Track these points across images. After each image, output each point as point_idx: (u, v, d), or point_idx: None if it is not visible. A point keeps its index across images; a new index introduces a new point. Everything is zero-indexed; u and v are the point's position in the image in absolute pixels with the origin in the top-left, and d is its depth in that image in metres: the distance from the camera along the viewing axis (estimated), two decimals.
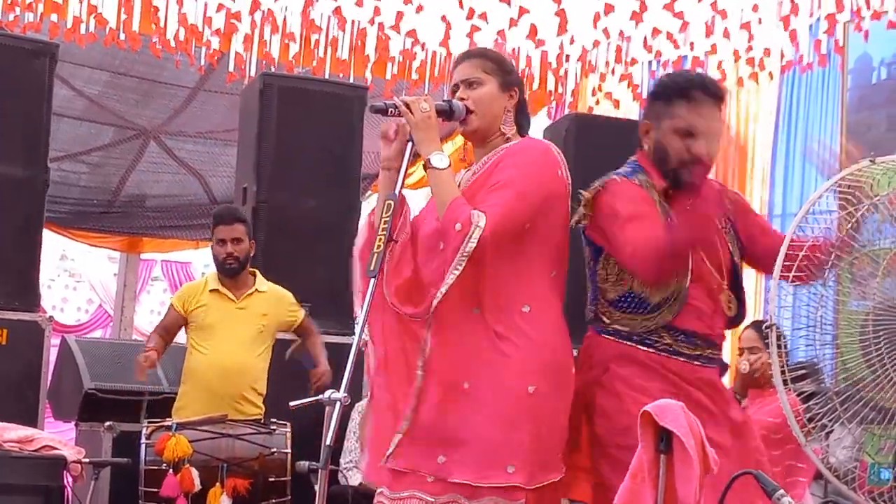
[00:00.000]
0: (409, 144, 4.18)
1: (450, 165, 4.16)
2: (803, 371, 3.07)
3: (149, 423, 6.77)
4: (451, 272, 4.00)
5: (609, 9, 10.40)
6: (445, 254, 4.07)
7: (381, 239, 4.01)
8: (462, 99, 4.28)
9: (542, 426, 4.01)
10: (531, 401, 4.00)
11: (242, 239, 7.33)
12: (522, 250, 4.11)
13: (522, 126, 4.39)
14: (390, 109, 4.19)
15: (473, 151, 4.44)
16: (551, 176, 4.17)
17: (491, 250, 4.02)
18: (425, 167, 4.17)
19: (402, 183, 4.16)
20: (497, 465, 4.01)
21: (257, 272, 7.49)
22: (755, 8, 10.47)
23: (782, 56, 11.11)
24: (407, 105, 4.17)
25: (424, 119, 4.17)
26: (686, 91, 4.13)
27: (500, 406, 4.03)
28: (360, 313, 4.12)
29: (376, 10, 10.40)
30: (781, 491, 2.77)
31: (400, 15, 10.45)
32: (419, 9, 10.08)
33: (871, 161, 3.16)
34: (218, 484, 6.57)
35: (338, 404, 3.80)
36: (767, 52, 11.03)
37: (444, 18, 10.65)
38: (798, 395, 2.99)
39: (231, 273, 7.31)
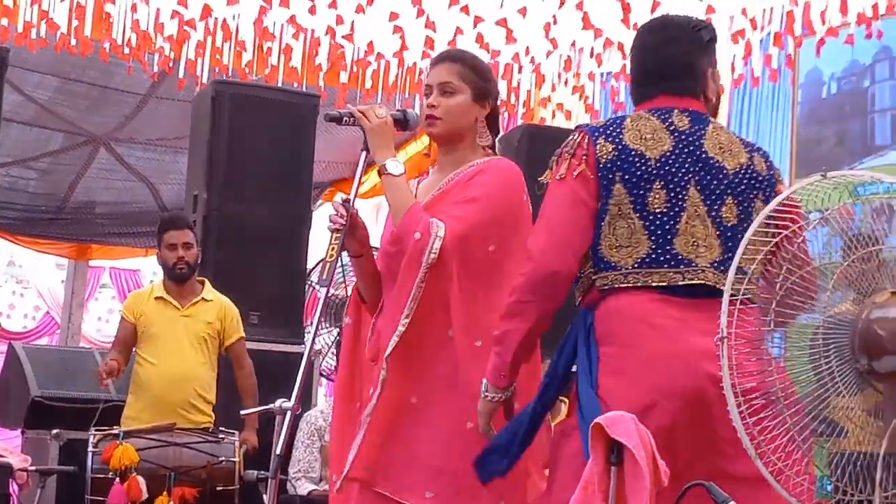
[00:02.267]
0: (363, 153, 4.17)
1: (404, 173, 4.14)
2: (753, 384, 3.08)
3: (96, 431, 6.72)
4: (414, 292, 3.98)
5: (555, 21, 10.43)
6: (402, 264, 4.04)
7: (333, 248, 4.00)
8: (433, 106, 4.22)
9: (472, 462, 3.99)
10: (469, 436, 3.97)
11: (192, 245, 7.32)
12: (490, 276, 4.06)
13: (492, 137, 4.36)
14: (345, 118, 4.18)
15: (438, 155, 4.38)
16: (519, 200, 4.15)
17: (456, 267, 4.00)
18: (380, 173, 4.15)
19: (357, 192, 4.15)
20: (416, 487, 4.02)
21: (206, 281, 7.46)
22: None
23: (733, 70, 11.17)
24: (362, 112, 4.15)
25: (380, 125, 4.14)
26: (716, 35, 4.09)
27: (439, 432, 4.04)
28: (312, 323, 4.09)
29: (338, 19, 10.37)
30: (732, 502, 2.79)
31: (353, 24, 10.43)
32: (373, 17, 10.06)
33: (822, 176, 3.18)
34: (165, 493, 6.52)
35: (288, 413, 3.79)
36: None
37: (397, 28, 10.65)
38: (748, 409, 3.00)
39: (180, 278, 7.28)
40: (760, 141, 10.94)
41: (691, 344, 3.56)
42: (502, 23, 10.31)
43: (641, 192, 3.73)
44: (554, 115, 12.21)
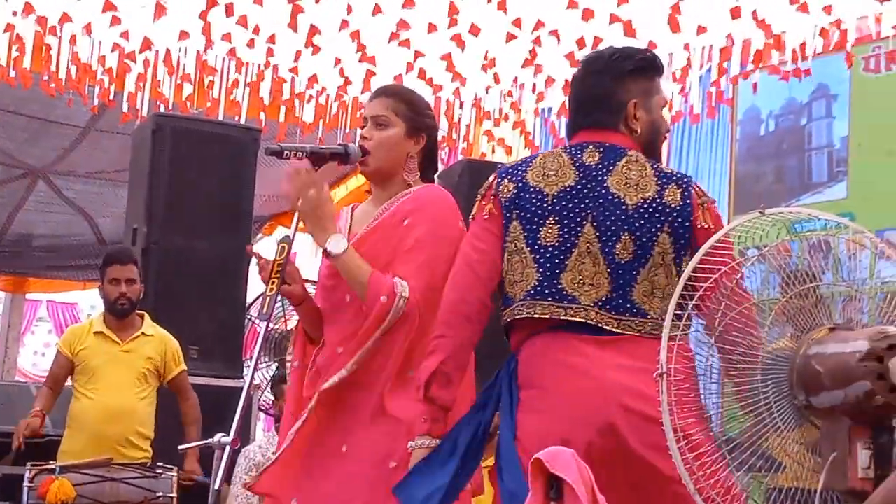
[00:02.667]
0: None
1: (347, 247, 4.09)
2: (693, 420, 3.09)
3: (32, 465, 6.65)
4: (368, 345, 4.03)
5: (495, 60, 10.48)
6: (367, 320, 4.05)
7: (273, 283, 4.00)
8: (365, 138, 4.25)
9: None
10: (394, 477, 3.96)
11: (135, 280, 7.28)
12: (431, 316, 4.04)
13: (428, 171, 4.39)
14: (286, 152, 4.17)
15: (372, 186, 4.41)
16: (459, 231, 4.16)
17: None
18: (326, 256, 4.13)
19: (296, 230, 4.14)
20: None
21: (146, 315, 7.43)
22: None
23: (671, 107, 11.26)
24: (297, 196, 4.11)
25: (308, 209, 4.10)
26: (660, 66, 4.06)
27: (363, 471, 4.05)
28: (252, 357, 4.09)
29: (270, 52, 10.37)
30: None
31: (298, 54, 10.43)
32: (315, 51, 10.06)
33: (760, 212, 3.20)
34: None
35: (227, 448, 3.78)
36: None
37: (338, 61, 10.66)
38: (686, 444, 3.01)
39: (121, 314, 7.24)
40: (699, 177, 11.02)
41: (606, 379, 3.60)
42: (446, 57, 10.34)
43: (535, 227, 3.77)
44: (494, 151, 12.26)
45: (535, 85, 11.13)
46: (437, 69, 10.59)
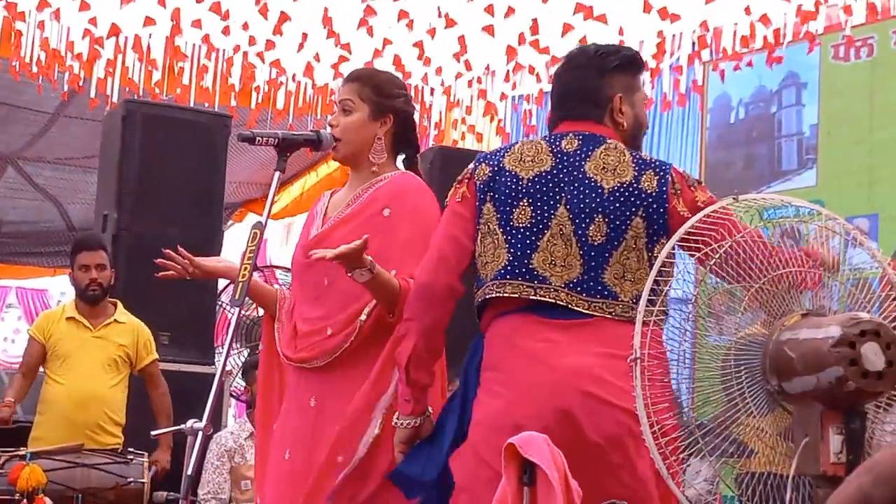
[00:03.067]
0: (277, 174, 4.16)
1: (373, 276, 3.99)
2: (666, 405, 3.10)
3: (2, 451, 6.63)
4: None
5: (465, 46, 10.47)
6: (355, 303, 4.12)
7: (245, 268, 3.99)
8: (332, 125, 4.28)
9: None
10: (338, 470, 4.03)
11: (106, 266, 7.28)
12: None
13: (404, 152, 4.41)
14: (258, 138, 4.16)
15: (349, 174, 4.42)
16: (435, 221, 4.16)
17: None
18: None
19: (269, 213, 4.13)
20: None
21: (118, 303, 7.41)
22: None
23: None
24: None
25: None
26: (642, 63, 4.11)
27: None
28: (223, 343, 4.10)
29: (250, 40, 10.34)
30: None
31: (270, 44, 10.41)
32: (285, 36, 10.05)
33: (734, 199, 3.22)
34: None
35: (199, 434, 3.77)
36: None
37: (308, 48, 10.63)
38: (659, 429, 3.02)
39: (93, 300, 7.23)
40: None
41: (565, 366, 3.61)
42: (418, 45, 10.34)
43: (508, 208, 3.79)
44: (464, 137, 12.25)
45: (508, 73, 11.12)
46: (409, 56, 10.58)
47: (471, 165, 3.94)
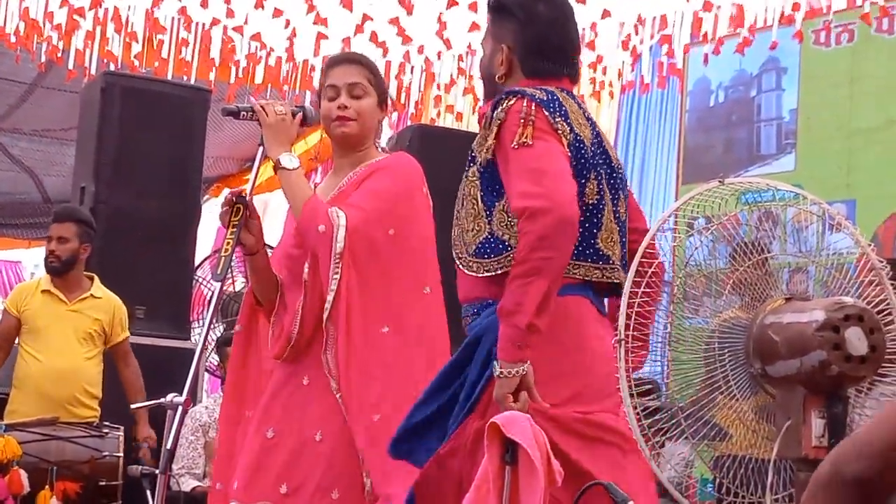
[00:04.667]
0: (261, 148, 4.15)
1: (300, 166, 4.13)
2: (649, 386, 3.11)
3: None
4: (331, 283, 3.98)
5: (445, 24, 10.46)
6: (313, 257, 4.05)
7: (228, 243, 3.98)
8: (345, 106, 4.20)
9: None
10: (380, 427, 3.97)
11: (69, 239, 7.20)
12: (390, 261, 4.07)
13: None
14: (242, 112, 4.16)
15: (335, 158, 4.40)
16: (417, 188, 4.17)
17: (358, 252, 3.99)
18: (275, 168, 4.13)
19: (253, 187, 4.13)
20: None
21: (95, 277, 7.37)
22: (593, 26, 10.62)
23: (620, 75, 11.28)
24: (262, 107, 4.14)
25: (278, 121, 4.13)
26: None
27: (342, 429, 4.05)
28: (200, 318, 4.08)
29: (228, 13, 10.30)
30: (631, 502, 2.82)
31: (247, 18, 10.37)
32: (264, 11, 10.01)
33: (720, 182, 3.22)
34: (47, 487, 6.43)
35: (179, 408, 3.76)
36: (605, 70, 11.21)
37: (288, 23, 10.60)
38: (643, 410, 3.03)
39: (51, 271, 7.22)
40: (648, 147, 11.12)
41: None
42: (394, 21, 10.31)
43: (583, 181, 3.60)
44: (439, 115, 12.23)
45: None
46: (387, 32, 10.55)
47: (542, 112, 3.58)
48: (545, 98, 3.62)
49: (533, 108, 3.56)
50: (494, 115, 3.61)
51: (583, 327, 3.59)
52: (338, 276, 3.96)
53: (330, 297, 3.97)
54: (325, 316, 3.99)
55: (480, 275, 3.64)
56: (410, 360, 4.04)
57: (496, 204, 3.62)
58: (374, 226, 4.03)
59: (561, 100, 3.66)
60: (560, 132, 3.57)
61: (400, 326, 4.05)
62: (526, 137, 3.52)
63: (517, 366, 3.42)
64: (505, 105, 3.60)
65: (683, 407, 3.07)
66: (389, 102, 4.40)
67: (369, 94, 4.25)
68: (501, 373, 3.44)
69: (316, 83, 11.42)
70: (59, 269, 7.22)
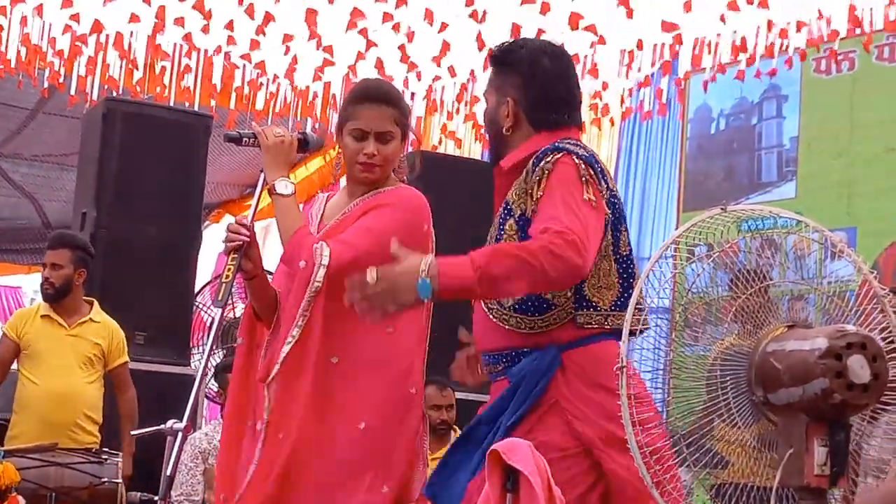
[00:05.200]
0: (262, 174, 4.15)
1: (293, 193, 4.12)
2: (651, 414, 3.10)
3: None
4: (298, 319, 3.98)
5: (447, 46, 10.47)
6: (294, 290, 4.04)
7: (229, 269, 3.97)
8: (371, 154, 4.11)
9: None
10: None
11: (63, 265, 7.20)
12: None
13: None
14: (245, 139, 4.16)
15: (348, 183, 4.34)
16: (418, 226, 4.13)
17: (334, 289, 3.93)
18: (270, 193, 4.12)
19: (255, 213, 4.13)
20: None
21: (94, 302, 7.37)
22: (593, 55, 10.65)
23: (622, 102, 11.30)
24: (262, 130, 4.14)
25: (276, 144, 4.13)
26: None
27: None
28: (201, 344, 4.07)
29: (230, 40, 10.31)
30: None
31: (254, 44, 10.38)
32: (265, 35, 10.03)
33: (722, 209, 3.22)
34: None
35: (179, 434, 3.76)
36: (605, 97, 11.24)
37: (288, 49, 10.61)
38: (645, 437, 3.02)
39: (47, 299, 7.25)
40: (649, 174, 11.13)
41: None
42: (401, 49, 10.33)
43: (618, 233, 3.73)
44: (440, 142, 12.25)
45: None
46: (391, 59, 10.57)
47: (590, 168, 3.70)
48: (587, 155, 3.73)
49: (583, 167, 3.66)
50: (538, 168, 3.69)
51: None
52: (307, 316, 3.97)
53: (294, 332, 3.98)
54: (283, 350, 3.99)
55: (522, 330, 3.72)
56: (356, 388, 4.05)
57: None
58: (361, 265, 3.99)
59: (595, 156, 3.77)
60: (602, 192, 3.68)
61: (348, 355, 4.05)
62: (590, 194, 3.61)
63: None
64: (551, 158, 3.68)
65: (685, 434, 3.05)
66: (411, 135, 4.37)
67: (396, 136, 4.16)
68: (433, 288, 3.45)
69: (318, 110, 11.47)
70: (54, 296, 7.23)
